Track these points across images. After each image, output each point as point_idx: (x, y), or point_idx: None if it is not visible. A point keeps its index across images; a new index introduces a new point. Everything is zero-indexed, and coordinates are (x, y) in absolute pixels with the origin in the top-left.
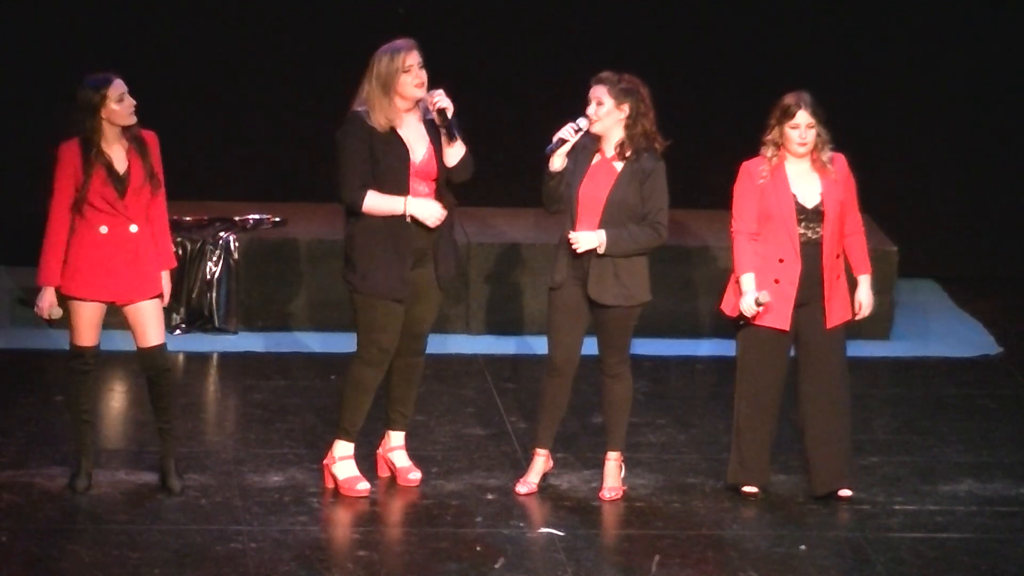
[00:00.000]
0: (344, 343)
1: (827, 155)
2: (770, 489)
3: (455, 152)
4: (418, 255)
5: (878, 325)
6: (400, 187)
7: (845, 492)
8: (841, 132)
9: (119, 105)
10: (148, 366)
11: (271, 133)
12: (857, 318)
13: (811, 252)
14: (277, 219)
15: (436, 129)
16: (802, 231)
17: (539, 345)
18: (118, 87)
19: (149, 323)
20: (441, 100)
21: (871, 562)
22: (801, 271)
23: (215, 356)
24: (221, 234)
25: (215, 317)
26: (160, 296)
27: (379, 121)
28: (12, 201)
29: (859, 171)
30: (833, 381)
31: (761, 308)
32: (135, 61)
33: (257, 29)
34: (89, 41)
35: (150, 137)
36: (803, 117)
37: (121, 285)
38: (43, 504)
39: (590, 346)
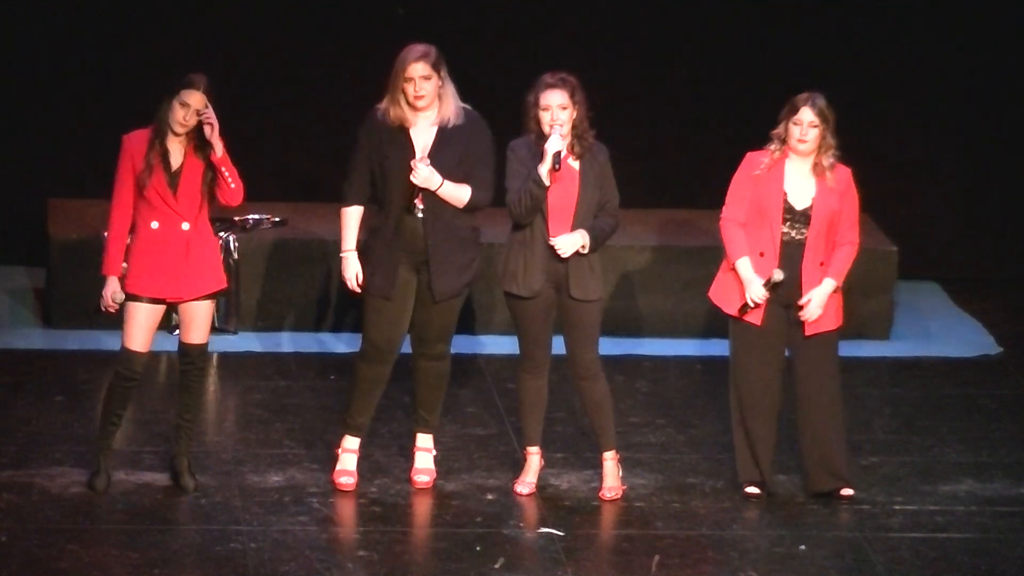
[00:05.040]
0: (344, 343)
1: (829, 161)
2: (771, 489)
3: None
4: (412, 260)
5: (878, 325)
6: (403, 188)
7: (847, 491)
8: (841, 133)
9: (180, 108)
10: (186, 361)
11: (271, 133)
12: (800, 315)
13: (792, 253)
14: (277, 219)
15: (447, 133)
16: (786, 230)
17: None
18: (190, 95)
19: (196, 322)
20: (416, 176)
21: (871, 562)
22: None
23: (215, 356)
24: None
25: (215, 317)
26: (213, 296)
27: (391, 117)
28: (11, 201)
29: (859, 171)
30: (820, 384)
31: (759, 302)
32: (135, 61)
33: (257, 29)
34: (89, 41)
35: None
36: (807, 115)
37: (172, 282)
38: (43, 504)
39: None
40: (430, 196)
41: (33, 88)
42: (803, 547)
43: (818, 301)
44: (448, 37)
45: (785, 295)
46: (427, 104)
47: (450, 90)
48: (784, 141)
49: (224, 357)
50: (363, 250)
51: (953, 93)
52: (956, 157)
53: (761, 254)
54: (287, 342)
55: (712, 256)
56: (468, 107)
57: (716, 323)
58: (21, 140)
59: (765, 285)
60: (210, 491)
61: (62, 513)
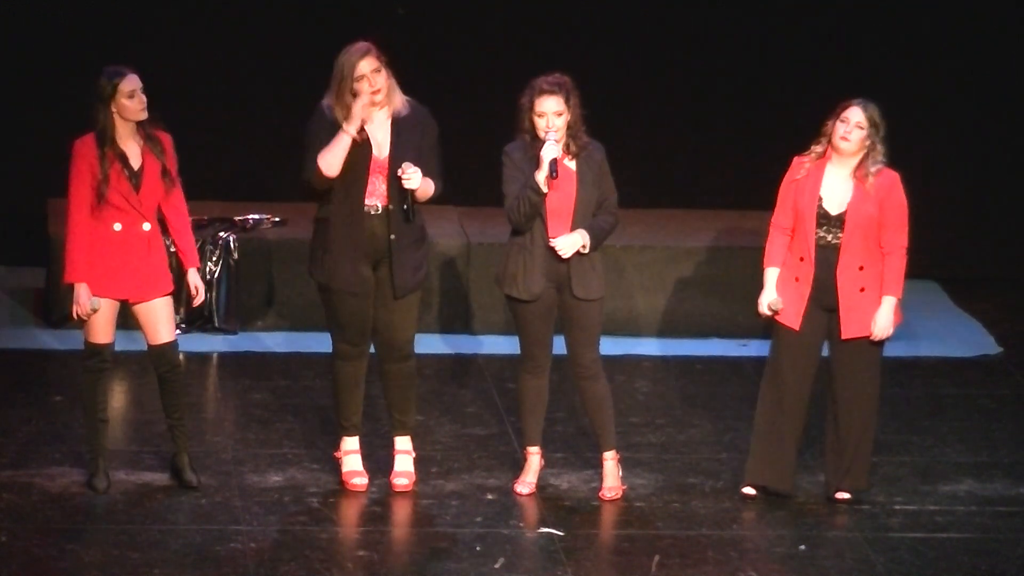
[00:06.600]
0: None
1: (874, 168)
2: (790, 493)
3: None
4: (374, 255)
5: None
6: (360, 182)
7: (842, 495)
8: None
9: (129, 100)
10: (159, 363)
11: (271, 133)
12: (872, 339)
13: (827, 256)
14: (277, 219)
15: (400, 125)
16: (821, 234)
17: None
18: (131, 82)
19: (160, 321)
20: (411, 181)
21: (871, 562)
22: (814, 273)
23: (215, 356)
24: (221, 234)
25: (215, 317)
26: (171, 294)
27: (340, 117)
28: (11, 201)
29: None
30: (848, 389)
31: (771, 313)
32: (135, 61)
33: (256, 29)
34: (89, 41)
35: (165, 138)
36: (855, 115)
37: (134, 283)
38: (43, 504)
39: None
40: (398, 193)
41: (33, 88)
42: (803, 547)
43: (883, 323)
44: (448, 37)
45: (824, 299)
46: (385, 94)
47: (394, 82)
48: (829, 139)
49: (224, 357)
50: (317, 245)
51: (953, 93)
52: (956, 157)
53: (801, 258)
54: (287, 342)
55: (712, 256)
56: (411, 99)
57: (716, 323)
58: (21, 140)
59: (769, 307)
60: (210, 491)
61: (62, 513)
